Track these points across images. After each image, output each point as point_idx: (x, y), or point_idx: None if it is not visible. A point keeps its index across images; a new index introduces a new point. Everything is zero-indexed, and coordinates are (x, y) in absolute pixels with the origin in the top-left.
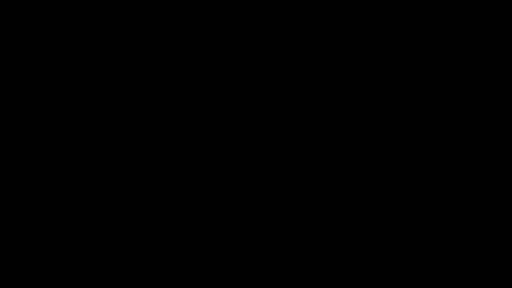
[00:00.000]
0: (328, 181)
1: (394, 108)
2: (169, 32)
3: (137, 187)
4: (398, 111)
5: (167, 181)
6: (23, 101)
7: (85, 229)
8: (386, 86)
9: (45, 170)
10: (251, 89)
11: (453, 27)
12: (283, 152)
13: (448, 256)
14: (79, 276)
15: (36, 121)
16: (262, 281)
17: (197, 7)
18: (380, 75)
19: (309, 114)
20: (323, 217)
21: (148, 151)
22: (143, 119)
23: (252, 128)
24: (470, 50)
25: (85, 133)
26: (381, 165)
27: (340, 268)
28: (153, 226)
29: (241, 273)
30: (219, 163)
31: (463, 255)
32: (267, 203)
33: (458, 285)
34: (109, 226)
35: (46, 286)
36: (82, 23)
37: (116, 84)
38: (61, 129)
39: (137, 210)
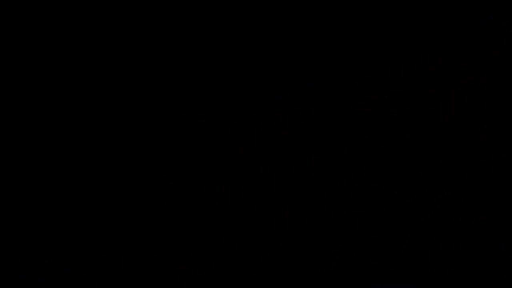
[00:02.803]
0: (328, 181)
1: (394, 108)
2: (169, 32)
3: (137, 187)
4: (398, 111)
5: (167, 181)
6: (23, 101)
7: (85, 229)
8: (386, 86)
9: (45, 170)
10: (251, 89)
11: (453, 27)
12: (283, 152)
13: (448, 256)
14: (79, 276)
15: (36, 121)
16: (262, 281)
17: (196, 7)
18: (380, 75)
19: (309, 114)
20: (323, 217)
21: (148, 151)
22: (143, 119)
23: (252, 128)
24: (470, 50)
25: (85, 133)
26: (381, 165)
27: (340, 268)
28: (153, 226)
29: (241, 273)
30: (219, 163)
31: (463, 255)
32: (267, 203)
33: (458, 285)
34: (109, 226)
35: (46, 286)
36: (82, 23)
37: (116, 84)
38: (61, 129)
39: (137, 210)
